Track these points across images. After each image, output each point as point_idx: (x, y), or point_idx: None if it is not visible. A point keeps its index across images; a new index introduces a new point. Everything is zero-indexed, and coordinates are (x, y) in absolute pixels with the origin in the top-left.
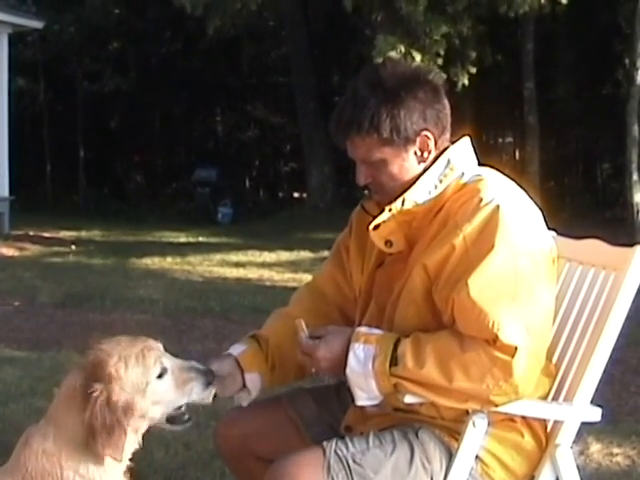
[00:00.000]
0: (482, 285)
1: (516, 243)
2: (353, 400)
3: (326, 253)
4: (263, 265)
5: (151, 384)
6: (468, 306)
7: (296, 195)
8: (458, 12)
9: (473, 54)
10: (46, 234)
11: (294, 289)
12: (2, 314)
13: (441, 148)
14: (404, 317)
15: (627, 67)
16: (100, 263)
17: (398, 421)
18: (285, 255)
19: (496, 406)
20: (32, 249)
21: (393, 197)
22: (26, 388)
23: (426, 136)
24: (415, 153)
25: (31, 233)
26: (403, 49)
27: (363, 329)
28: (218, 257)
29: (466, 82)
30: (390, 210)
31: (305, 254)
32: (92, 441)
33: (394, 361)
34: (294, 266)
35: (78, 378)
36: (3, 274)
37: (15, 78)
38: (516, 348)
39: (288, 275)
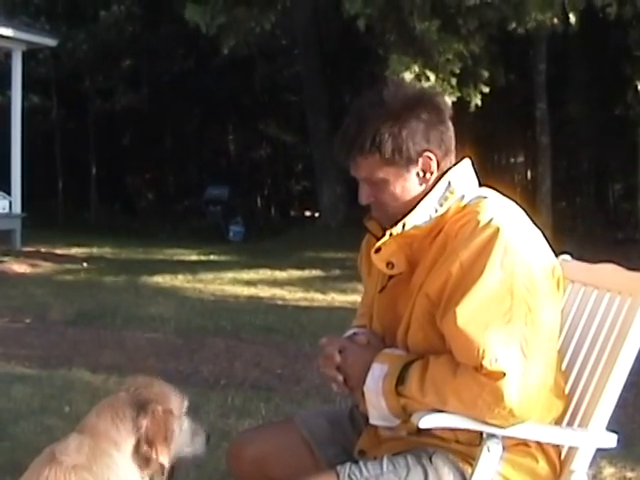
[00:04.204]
0: (470, 312)
1: (513, 264)
2: (367, 423)
3: (337, 272)
4: (275, 284)
5: (182, 417)
6: (455, 334)
7: (308, 214)
8: (470, 31)
9: (486, 74)
10: (58, 251)
11: (306, 308)
12: (13, 331)
13: (444, 169)
14: (415, 342)
15: (637, 89)
16: (111, 281)
17: (412, 445)
18: (297, 274)
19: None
20: (44, 266)
21: (394, 217)
22: (37, 406)
23: (428, 157)
24: (417, 174)
25: (43, 250)
26: (417, 69)
27: (387, 350)
28: (229, 275)
29: (479, 102)
30: (391, 234)
31: (317, 273)
32: (148, 449)
33: (401, 380)
34: (306, 285)
35: (124, 395)
36: (15, 291)
37: (28, 95)
38: (504, 373)
39: (300, 294)
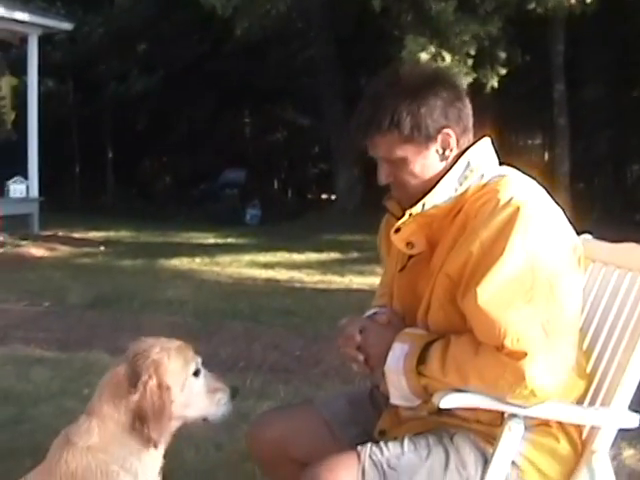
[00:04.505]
0: (491, 291)
1: (534, 243)
2: (387, 403)
3: (355, 254)
4: (292, 266)
5: (188, 380)
6: (476, 314)
7: (324, 197)
8: (488, 12)
9: (503, 55)
10: (75, 235)
11: (324, 291)
12: (32, 315)
13: (463, 147)
14: (436, 322)
15: None
16: (129, 264)
17: (433, 425)
18: (314, 257)
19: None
20: (61, 250)
21: (414, 196)
22: (56, 389)
23: (447, 134)
24: (437, 151)
25: (60, 234)
26: (433, 49)
27: (408, 330)
28: (247, 258)
29: (495, 84)
30: (410, 214)
31: (334, 255)
32: (140, 425)
33: (422, 360)
34: (324, 268)
35: (122, 369)
36: (33, 275)
37: (44, 80)
38: (526, 353)
39: (318, 277)
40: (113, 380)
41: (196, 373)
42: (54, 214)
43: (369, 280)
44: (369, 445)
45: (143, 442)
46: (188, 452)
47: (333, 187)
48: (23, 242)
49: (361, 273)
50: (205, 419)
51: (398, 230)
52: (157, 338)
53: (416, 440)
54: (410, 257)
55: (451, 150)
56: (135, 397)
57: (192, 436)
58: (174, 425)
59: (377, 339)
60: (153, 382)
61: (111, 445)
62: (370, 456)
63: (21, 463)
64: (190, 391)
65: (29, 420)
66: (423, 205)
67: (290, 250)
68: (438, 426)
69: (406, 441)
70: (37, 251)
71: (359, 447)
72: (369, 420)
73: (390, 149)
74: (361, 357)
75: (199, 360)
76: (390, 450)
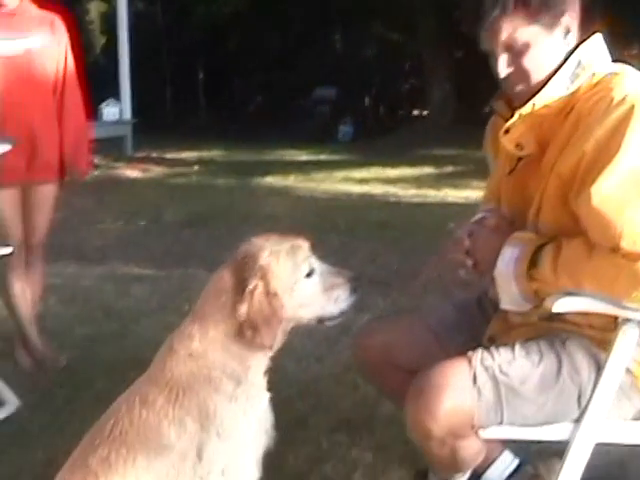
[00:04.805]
0: (606, 191)
1: None
2: (495, 310)
3: (450, 169)
4: (386, 181)
5: (299, 282)
6: (591, 215)
7: (415, 112)
8: None
9: None
10: (168, 155)
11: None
12: (129, 234)
13: (576, 41)
14: (547, 224)
15: None
16: (223, 182)
17: (544, 331)
18: (408, 171)
19: None
20: (155, 170)
21: (533, 88)
22: (156, 305)
23: (570, 17)
24: (559, 36)
25: (154, 155)
26: None
27: (518, 233)
28: (341, 174)
29: None
30: (520, 115)
31: (429, 170)
32: (252, 333)
33: (533, 264)
34: (418, 182)
35: (228, 274)
36: (128, 195)
37: (133, 1)
38: None
39: (413, 191)
40: (218, 285)
41: (310, 274)
42: (147, 136)
43: (464, 193)
44: (480, 350)
45: (255, 349)
46: (289, 364)
47: (425, 103)
48: (117, 164)
49: (456, 187)
50: (321, 319)
51: (507, 131)
52: (268, 238)
53: (527, 346)
54: (519, 159)
55: (572, 37)
56: (243, 307)
57: (293, 349)
58: (288, 326)
59: (486, 243)
60: (260, 290)
61: (213, 351)
62: (481, 361)
63: (126, 376)
64: (302, 294)
65: (131, 335)
66: (533, 105)
67: (384, 165)
68: (549, 332)
69: (517, 347)
70: (131, 172)
71: (470, 352)
72: (476, 327)
73: (514, 32)
74: (470, 262)
75: (312, 259)
76: (501, 355)
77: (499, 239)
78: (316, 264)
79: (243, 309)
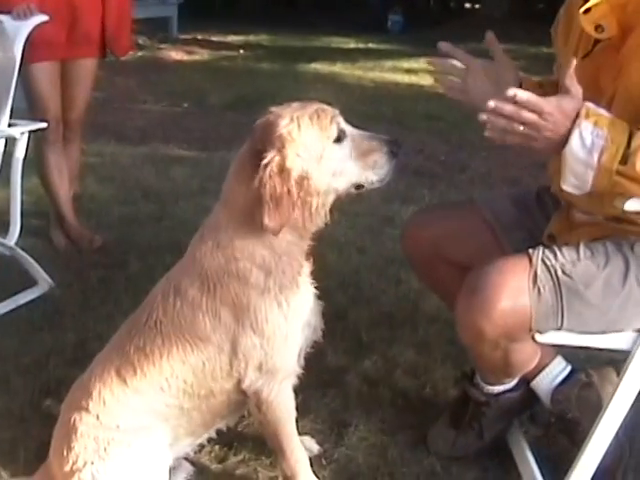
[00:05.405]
0: None
1: None
2: (557, 207)
3: None
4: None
5: (327, 149)
6: None
7: (467, 6)
8: None
9: None
10: (214, 38)
11: None
12: (171, 115)
13: None
14: (621, 116)
15: None
16: (269, 67)
17: (610, 232)
18: (459, 64)
19: None
20: (200, 53)
21: None
22: (196, 187)
23: None
24: None
25: (199, 37)
26: None
27: (592, 105)
28: (389, 64)
29: None
30: None
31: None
32: (257, 211)
33: (624, 159)
34: None
35: (247, 148)
36: (172, 76)
37: None
38: None
39: None
40: (238, 162)
41: (339, 139)
42: (193, 18)
43: None
44: (541, 248)
45: (260, 229)
46: (331, 254)
47: None
48: (162, 45)
49: None
50: (359, 186)
51: (588, 11)
52: (289, 104)
53: (593, 246)
54: (595, 43)
55: None
56: (254, 182)
57: (335, 239)
58: (329, 199)
59: (554, 102)
60: (274, 164)
61: (239, 239)
62: (543, 260)
63: (162, 259)
64: (333, 161)
65: (169, 217)
66: None
67: (434, 57)
68: (616, 233)
69: (582, 247)
70: (176, 54)
71: (530, 250)
72: (535, 224)
73: None
74: (534, 117)
75: (342, 122)
76: (565, 255)
77: (571, 104)
78: (347, 127)
79: (254, 184)
